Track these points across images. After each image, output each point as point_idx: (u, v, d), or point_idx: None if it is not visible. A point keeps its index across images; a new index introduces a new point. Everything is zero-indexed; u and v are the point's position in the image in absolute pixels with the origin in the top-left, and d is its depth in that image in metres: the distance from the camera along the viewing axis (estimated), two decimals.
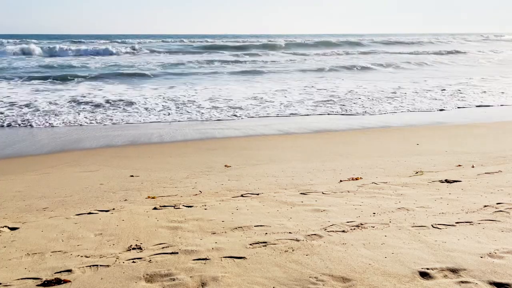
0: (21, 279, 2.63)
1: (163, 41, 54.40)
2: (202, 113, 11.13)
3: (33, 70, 22.36)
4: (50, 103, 12.35)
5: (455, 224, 3.29)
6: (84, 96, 13.59)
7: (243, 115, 10.92)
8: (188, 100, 12.90)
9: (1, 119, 10.24)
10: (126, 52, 36.54)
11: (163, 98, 13.38)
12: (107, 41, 50.16)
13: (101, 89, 15.40)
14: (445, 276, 2.50)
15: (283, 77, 20.55)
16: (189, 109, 11.67)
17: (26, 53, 32.98)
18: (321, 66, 25.74)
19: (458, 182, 4.56)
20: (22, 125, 9.86)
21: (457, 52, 38.43)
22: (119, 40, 53.58)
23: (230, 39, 63.89)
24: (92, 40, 53.71)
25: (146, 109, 11.66)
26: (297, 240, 3.06)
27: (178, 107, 11.87)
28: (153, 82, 18.27)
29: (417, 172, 5.28)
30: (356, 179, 4.97)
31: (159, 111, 11.44)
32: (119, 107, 11.87)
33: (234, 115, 10.86)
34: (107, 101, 12.64)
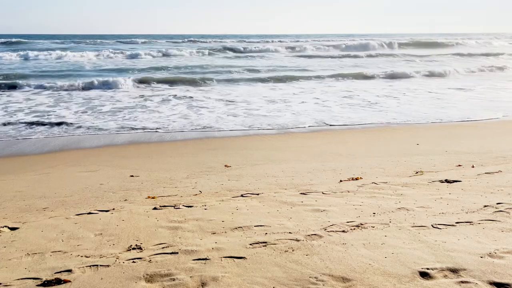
0: (21, 279, 2.63)
1: (161, 41, 54.23)
2: None
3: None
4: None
5: (455, 224, 3.29)
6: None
7: None
8: None
9: None
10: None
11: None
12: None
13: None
14: (445, 276, 2.50)
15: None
16: None
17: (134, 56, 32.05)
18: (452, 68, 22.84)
19: (458, 182, 4.56)
20: None
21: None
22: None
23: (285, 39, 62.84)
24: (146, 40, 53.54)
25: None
26: (297, 240, 3.06)
27: None
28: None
29: (417, 172, 5.28)
30: (356, 179, 4.97)
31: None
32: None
33: None
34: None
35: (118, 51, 33.27)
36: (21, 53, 30.27)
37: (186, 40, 58.28)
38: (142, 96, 14.37)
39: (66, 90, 15.65)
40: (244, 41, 54.26)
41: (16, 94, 14.62)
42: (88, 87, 16.14)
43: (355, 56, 33.46)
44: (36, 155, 7.38)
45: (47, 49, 33.66)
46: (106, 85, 16.37)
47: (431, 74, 21.34)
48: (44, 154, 7.44)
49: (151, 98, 13.91)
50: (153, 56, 31.83)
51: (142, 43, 49.17)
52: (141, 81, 17.69)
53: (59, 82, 16.60)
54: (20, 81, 17.00)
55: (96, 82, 16.59)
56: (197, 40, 57.68)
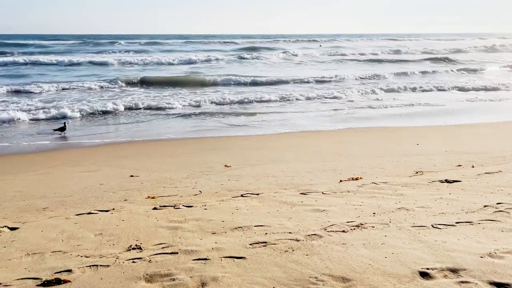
0: (21, 279, 2.63)
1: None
2: None
3: None
4: None
5: (455, 224, 3.29)
6: None
7: None
8: None
9: None
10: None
11: None
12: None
13: None
14: (445, 276, 2.50)
15: None
16: None
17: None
18: None
19: (458, 182, 4.56)
20: None
21: None
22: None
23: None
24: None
25: None
26: (297, 240, 3.06)
27: None
28: None
29: (417, 172, 5.27)
30: (356, 179, 4.97)
31: None
32: None
33: None
34: None
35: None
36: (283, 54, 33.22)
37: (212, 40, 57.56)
38: None
39: None
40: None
41: None
42: None
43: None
44: (36, 155, 7.37)
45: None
46: None
47: None
48: (44, 154, 7.44)
49: None
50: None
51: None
52: None
53: None
54: None
55: None
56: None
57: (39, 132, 9.43)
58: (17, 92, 14.95)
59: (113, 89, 16.13)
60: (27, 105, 12.39)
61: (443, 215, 3.50)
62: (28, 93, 14.93)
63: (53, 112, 11.04)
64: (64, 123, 9.30)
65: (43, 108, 11.78)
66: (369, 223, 3.37)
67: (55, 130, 9.10)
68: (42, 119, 10.65)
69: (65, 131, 9.04)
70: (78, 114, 11.12)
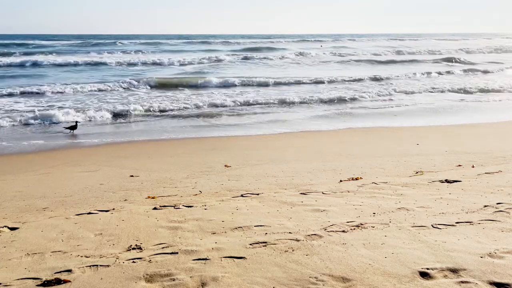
0: (21, 279, 2.63)
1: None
2: None
3: None
4: None
5: (455, 224, 3.29)
6: None
7: None
8: None
9: None
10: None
11: None
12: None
13: None
14: (445, 276, 2.50)
15: None
16: None
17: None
18: None
19: (458, 182, 4.56)
20: None
21: None
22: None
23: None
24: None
25: None
26: (297, 240, 3.06)
27: None
28: None
29: (417, 172, 5.27)
30: (356, 179, 4.97)
31: None
32: None
33: None
34: None
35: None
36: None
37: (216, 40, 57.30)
38: None
39: None
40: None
41: None
42: None
43: None
44: (36, 155, 7.38)
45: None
46: None
47: None
48: (44, 154, 7.44)
49: None
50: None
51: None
52: None
53: None
54: None
55: None
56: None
57: (40, 132, 9.45)
58: (19, 93, 14.92)
59: (116, 89, 16.11)
60: (28, 105, 12.38)
61: (443, 215, 3.50)
62: (29, 93, 14.88)
63: (55, 112, 11.03)
64: (76, 122, 9.55)
65: (44, 108, 11.78)
66: (369, 223, 3.37)
67: (66, 128, 9.32)
68: (43, 120, 10.64)
69: (75, 130, 9.24)
70: (80, 115, 11.12)
